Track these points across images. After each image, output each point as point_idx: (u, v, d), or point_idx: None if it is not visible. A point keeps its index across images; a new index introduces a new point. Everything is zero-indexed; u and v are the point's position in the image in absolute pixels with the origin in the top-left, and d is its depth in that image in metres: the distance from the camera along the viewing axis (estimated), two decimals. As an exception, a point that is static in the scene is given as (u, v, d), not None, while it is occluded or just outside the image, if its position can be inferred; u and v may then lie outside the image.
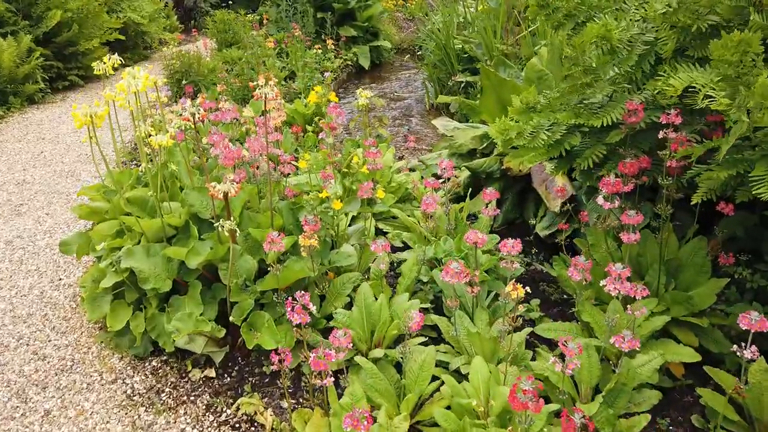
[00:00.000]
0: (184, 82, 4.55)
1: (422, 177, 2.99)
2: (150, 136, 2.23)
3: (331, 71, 6.22)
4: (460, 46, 5.76)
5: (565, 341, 1.48)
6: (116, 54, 2.58)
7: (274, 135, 2.77)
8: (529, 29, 4.84)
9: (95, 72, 2.49)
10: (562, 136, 1.97)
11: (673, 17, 1.74)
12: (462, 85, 5.51)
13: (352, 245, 2.18)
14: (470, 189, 3.28)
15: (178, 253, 2.01)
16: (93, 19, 6.22)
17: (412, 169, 3.38)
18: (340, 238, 2.19)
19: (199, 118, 1.89)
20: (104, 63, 2.52)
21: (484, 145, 3.60)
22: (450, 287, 2.02)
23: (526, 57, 4.77)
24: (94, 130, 1.99)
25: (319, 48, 6.14)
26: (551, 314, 2.34)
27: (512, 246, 1.92)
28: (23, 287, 2.62)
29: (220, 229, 1.71)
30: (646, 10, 2.17)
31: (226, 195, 1.78)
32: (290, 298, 1.65)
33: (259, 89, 1.92)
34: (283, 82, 4.83)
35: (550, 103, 2.04)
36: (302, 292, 1.65)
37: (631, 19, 2.12)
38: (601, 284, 1.75)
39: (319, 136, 3.04)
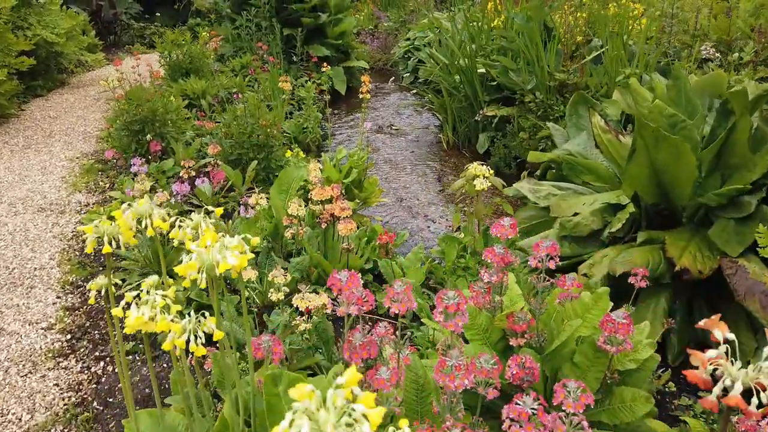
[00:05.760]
0: (149, 136, 3.19)
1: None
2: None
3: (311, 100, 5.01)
4: (483, 70, 4.72)
5: None
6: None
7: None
8: (599, 51, 3.87)
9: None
10: None
11: None
12: (495, 120, 4.47)
13: None
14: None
15: None
16: (-5, 42, 4.65)
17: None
18: None
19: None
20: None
21: (619, 224, 2.54)
22: None
23: (594, 89, 3.80)
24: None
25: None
26: None
27: None
28: None
29: None
30: None
31: None
32: None
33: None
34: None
35: None
36: None
37: None
38: None
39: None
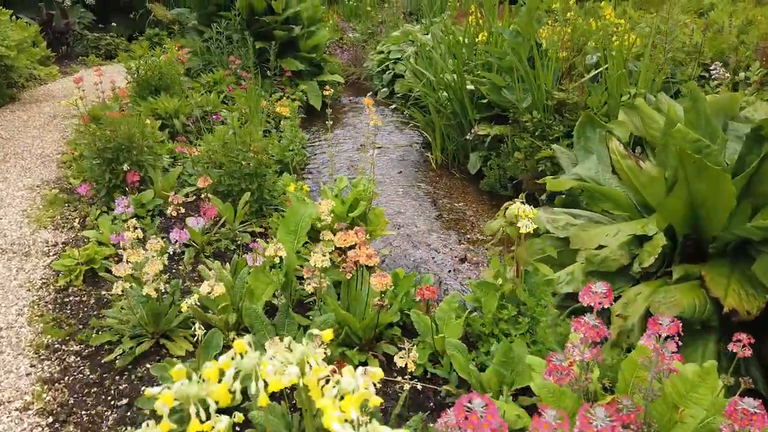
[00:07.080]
0: (125, 166, 2.85)
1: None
2: None
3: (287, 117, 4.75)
4: (471, 87, 4.56)
5: None
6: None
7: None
8: (598, 70, 3.74)
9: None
10: None
11: None
12: (487, 139, 4.30)
13: None
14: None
15: None
16: (-62, 57, 4.19)
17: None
18: None
19: None
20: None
21: (651, 259, 2.37)
22: None
23: (596, 109, 3.67)
24: None
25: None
26: None
27: None
28: None
29: None
30: None
31: None
32: None
33: None
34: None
35: None
36: None
37: None
38: None
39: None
